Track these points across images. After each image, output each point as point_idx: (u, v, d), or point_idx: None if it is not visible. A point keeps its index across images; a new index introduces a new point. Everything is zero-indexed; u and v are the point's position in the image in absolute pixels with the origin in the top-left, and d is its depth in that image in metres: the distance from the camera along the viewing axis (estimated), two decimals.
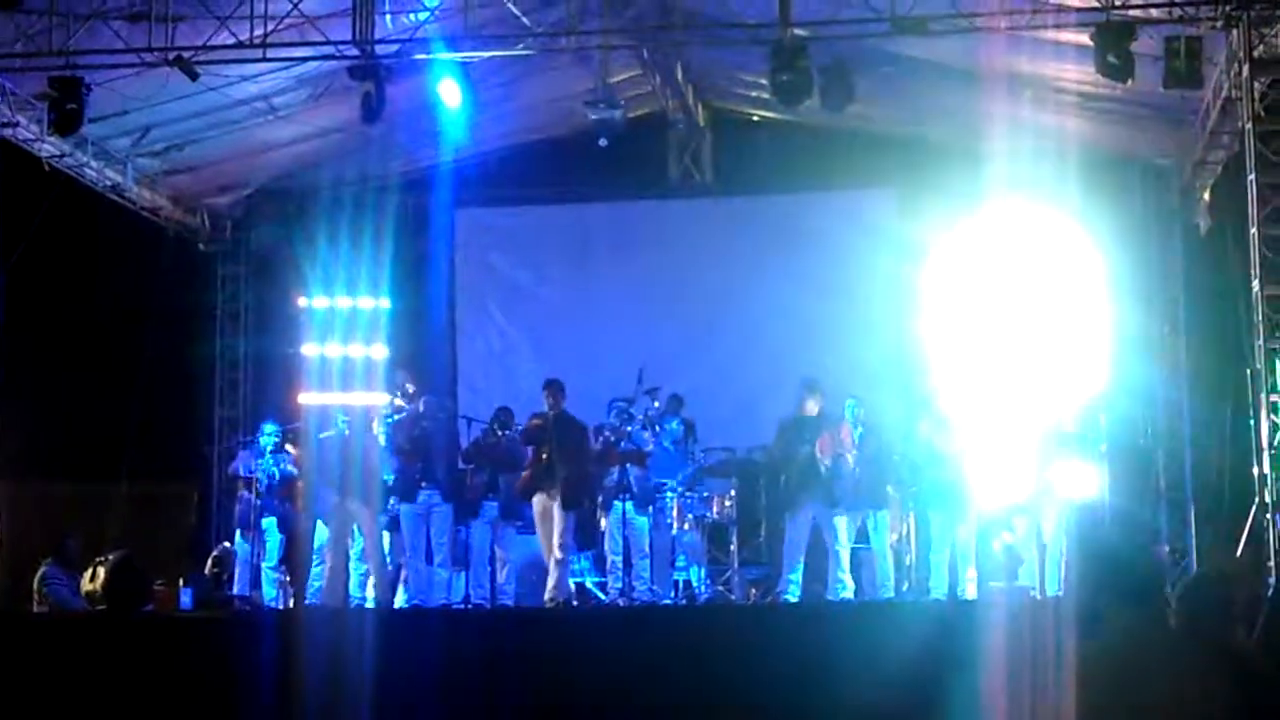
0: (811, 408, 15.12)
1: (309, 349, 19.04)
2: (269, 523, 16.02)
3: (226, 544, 16.28)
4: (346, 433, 15.81)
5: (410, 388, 15.72)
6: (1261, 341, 13.61)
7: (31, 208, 16.57)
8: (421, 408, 15.69)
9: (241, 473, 16.38)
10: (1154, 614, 6.11)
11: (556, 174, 19.50)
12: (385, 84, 14.89)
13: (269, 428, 16.45)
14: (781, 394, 18.40)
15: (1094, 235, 17.54)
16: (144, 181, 18.62)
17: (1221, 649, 5.95)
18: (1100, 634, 6.05)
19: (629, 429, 15.45)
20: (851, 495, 14.92)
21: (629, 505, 15.15)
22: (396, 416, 15.70)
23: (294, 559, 16.20)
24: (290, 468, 16.15)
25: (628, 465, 15.25)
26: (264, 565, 15.87)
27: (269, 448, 16.17)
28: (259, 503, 15.98)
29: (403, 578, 15.57)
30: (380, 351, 19.21)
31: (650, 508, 15.37)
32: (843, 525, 14.88)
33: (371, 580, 15.34)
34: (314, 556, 15.61)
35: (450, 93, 15.29)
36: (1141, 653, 5.89)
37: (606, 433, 15.56)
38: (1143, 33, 13.88)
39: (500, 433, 15.49)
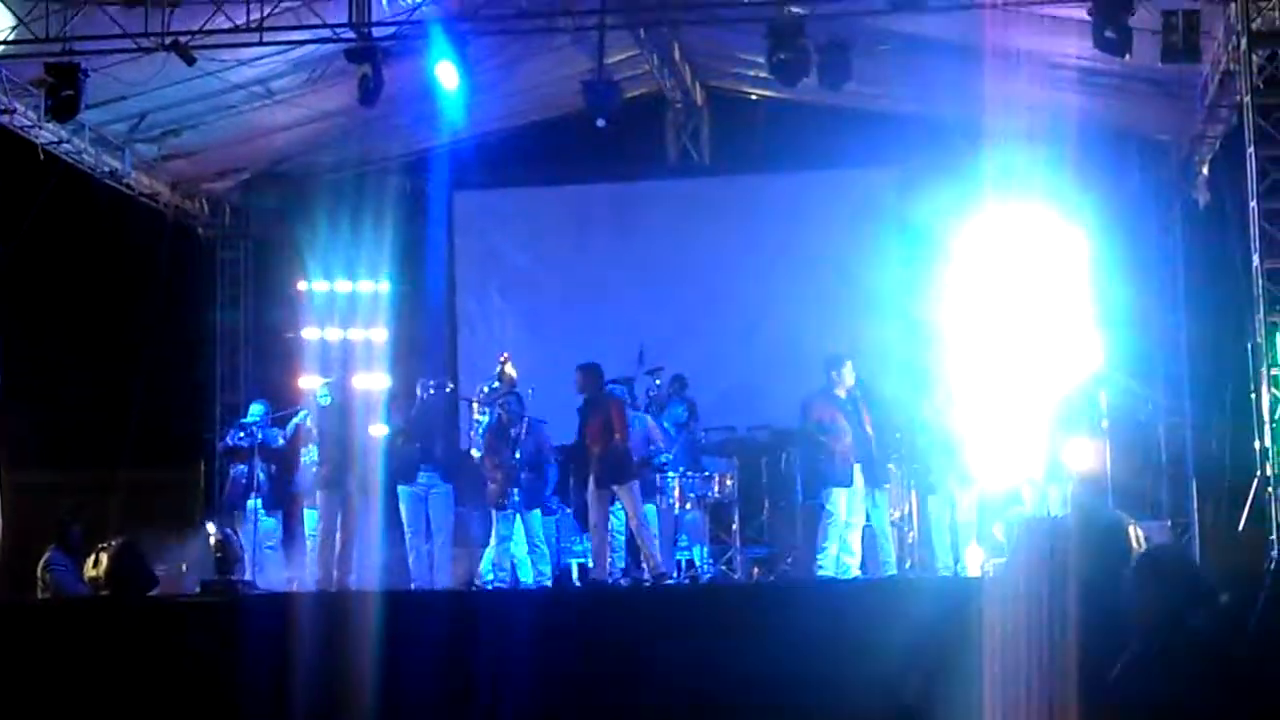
0: (849, 378, 15.05)
1: (309, 333, 19.13)
2: (257, 503, 16.04)
3: (228, 529, 16.26)
4: (326, 403, 15.86)
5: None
6: (1262, 316, 13.60)
7: (29, 195, 16.56)
8: (420, 390, 15.70)
9: (229, 443, 16.43)
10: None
11: (555, 155, 19.49)
12: (382, 66, 14.87)
13: (256, 407, 16.48)
14: (781, 373, 18.48)
15: (1093, 211, 17.55)
16: (142, 167, 18.60)
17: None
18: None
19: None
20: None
21: None
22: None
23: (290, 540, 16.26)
24: (280, 442, 16.15)
25: None
26: (265, 547, 15.90)
27: (255, 425, 16.18)
28: (245, 481, 16.03)
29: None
30: (380, 334, 19.32)
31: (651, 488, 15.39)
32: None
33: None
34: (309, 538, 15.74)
35: (447, 75, 15.26)
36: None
37: None
38: (1140, 7, 13.84)
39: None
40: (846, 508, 14.84)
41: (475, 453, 15.65)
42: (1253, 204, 13.80)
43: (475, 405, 15.85)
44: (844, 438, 14.86)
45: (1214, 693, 5.69)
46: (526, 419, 15.26)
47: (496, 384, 15.70)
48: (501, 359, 15.84)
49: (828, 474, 14.98)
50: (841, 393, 15.02)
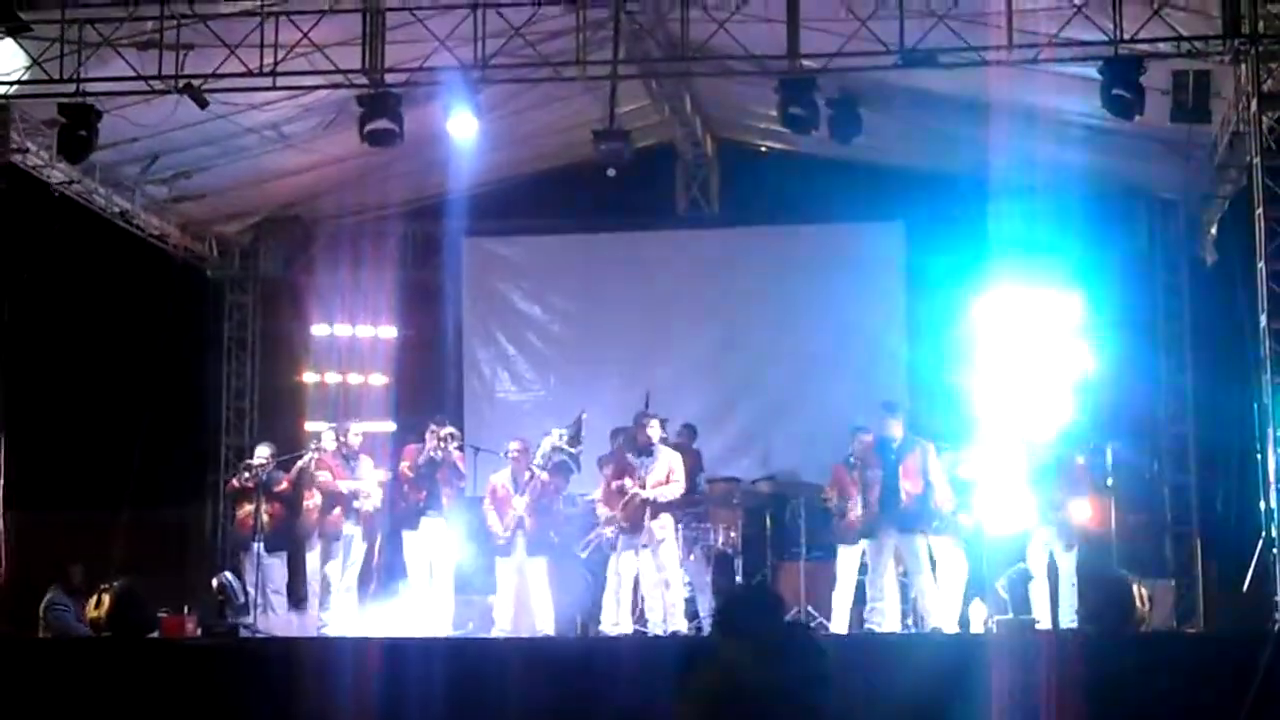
0: (895, 430, 15.06)
1: (316, 376, 19.15)
2: (265, 548, 16.01)
3: (230, 572, 16.25)
4: (318, 457, 15.89)
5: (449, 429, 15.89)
6: (1268, 376, 13.58)
7: (40, 234, 16.59)
8: (428, 437, 15.70)
9: (235, 484, 16.43)
10: None
11: (565, 204, 19.49)
12: (394, 113, 14.91)
13: (262, 449, 16.48)
14: (786, 425, 18.52)
15: (1100, 269, 17.57)
16: (152, 208, 18.63)
17: None
18: None
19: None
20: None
21: None
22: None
23: (295, 584, 16.24)
24: (284, 485, 16.14)
25: None
26: (269, 590, 15.86)
27: (260, 466, 16.16)
28: (250, 523, 16.03)
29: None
30: (387, 380, 19.36)
31: None
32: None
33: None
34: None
35: (459, 122, 15.31)
36: None
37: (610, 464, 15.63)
38: (1150, 66, 13.88)
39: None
40: (857, 565, 14.89)
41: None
42: (1260, 264, 13.79)
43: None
44: (853, 510, 14.91)
45: None
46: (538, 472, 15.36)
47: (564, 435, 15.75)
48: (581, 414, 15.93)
49: (835, 534, 15.12)
50: (859, 459, 15.04)
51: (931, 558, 14.87)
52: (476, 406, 19.85)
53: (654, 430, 15.26)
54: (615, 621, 14.97)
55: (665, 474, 15.03)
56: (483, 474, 16.32)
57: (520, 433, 16.00)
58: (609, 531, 15.13)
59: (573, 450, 15.69)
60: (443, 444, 15.61)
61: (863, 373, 18.56)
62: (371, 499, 16.03)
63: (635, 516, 14.89)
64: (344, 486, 15.85)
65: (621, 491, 14.99)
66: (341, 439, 16.21)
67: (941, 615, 14.61)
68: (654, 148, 19.77)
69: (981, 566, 14.87)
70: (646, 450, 15.16)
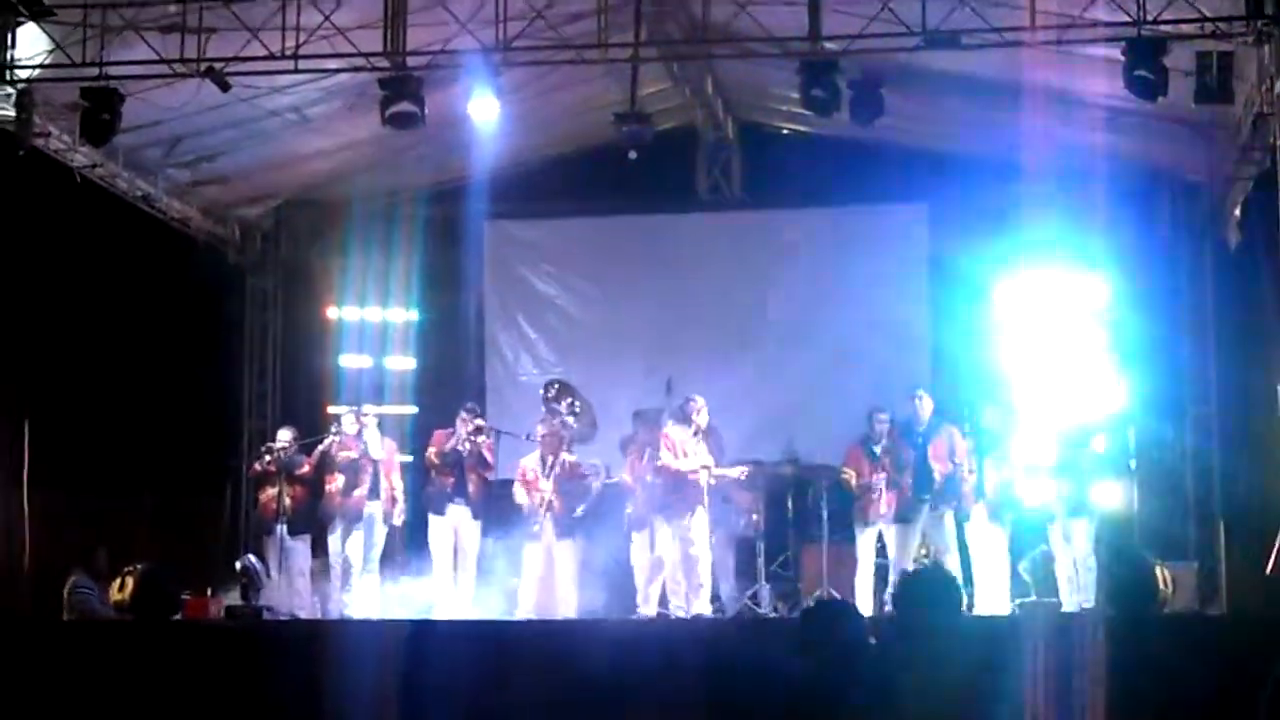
0: (923, 412, 15.05)
1: (338, 360, 19.16)
2: (288, 530, 16.06)
3: (253, 555, 16.29)
4: (339, 439, 15.94)
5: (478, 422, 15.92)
6: None
7: (62, 218, 16.61)
8: (459, 425, 15.73)
9: (257, 468, 16.47)
10: None
11: (586, 186, 19.47)
12: (416, 96, 14.91)
13: (284, 432, 16.51)
14: (808, 407, 18.50)
15: (1124, 251, 17.52)
16: (174, 192, 18.62)
17: None
18: None
19: None
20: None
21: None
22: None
23: (318, 566, 16.29)
24: (305, 468, 16.18)
25: None
26: (292, 573, 15.91)
27: (281, 449, 16.20)
28: (273, 507, 16.07)
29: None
30: (409, 363, 19.38)
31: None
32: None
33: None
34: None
35: (481, 105, 15.30)
36: None
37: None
38: (1174, 48, 13.83)
39: None
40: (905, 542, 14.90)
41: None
42: None
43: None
44: (876, 492, 14.92)
45: None
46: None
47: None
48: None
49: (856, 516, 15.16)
50: (879, 443, 15.07)
51: (961, 541, 14.89)
52: (499, 389, 19.86)
53: (701, 416, 15.26)
54: (645, 602, 15.03)
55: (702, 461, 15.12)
56: (504, 456, 16.34)
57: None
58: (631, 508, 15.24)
59: (565, 414, 15.69)
60: (472, 437, 15.66)
61: (886, 355, 18.53)
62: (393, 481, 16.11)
63: (677, 493, 14.95)
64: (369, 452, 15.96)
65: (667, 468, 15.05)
66: (360, 421, 16.27)
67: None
68: (675, 130, 19.75)
69: (1007, 549, 14.88)
70: (695, 432, 15.21)
